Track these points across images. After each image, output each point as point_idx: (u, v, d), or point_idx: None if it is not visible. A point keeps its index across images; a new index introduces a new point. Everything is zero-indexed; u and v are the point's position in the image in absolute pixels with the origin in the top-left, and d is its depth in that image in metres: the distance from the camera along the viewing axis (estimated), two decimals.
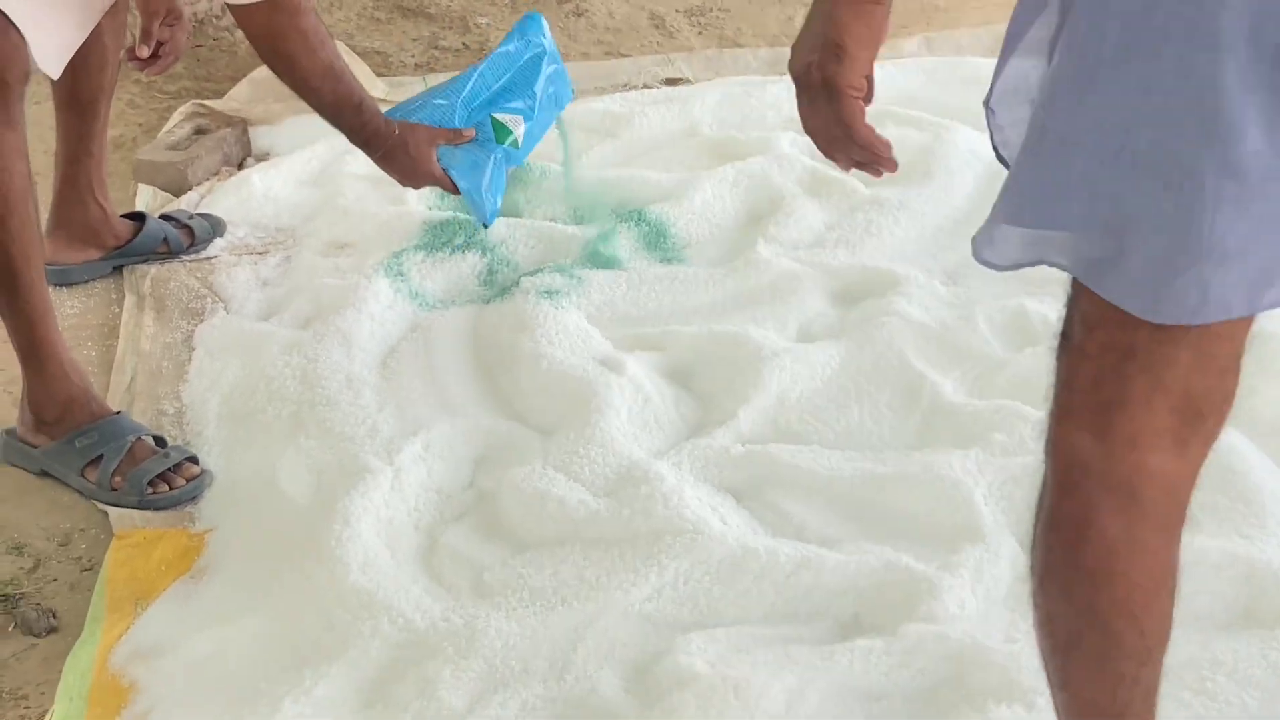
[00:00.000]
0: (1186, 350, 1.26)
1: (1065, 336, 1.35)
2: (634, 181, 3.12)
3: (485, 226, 2.83)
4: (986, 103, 1.36)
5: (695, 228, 2.97)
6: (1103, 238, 1.23)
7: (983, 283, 2.71)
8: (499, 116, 2.74)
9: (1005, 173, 3.18)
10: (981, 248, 1.32)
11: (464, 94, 2.70)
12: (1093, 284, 1.25)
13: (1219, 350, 1.30)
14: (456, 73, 2.92)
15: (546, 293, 2.66)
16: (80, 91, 2.57)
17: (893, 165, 1.52)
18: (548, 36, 2.87)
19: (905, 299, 2.63)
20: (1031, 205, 1.27)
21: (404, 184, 2.76)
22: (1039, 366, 2.41)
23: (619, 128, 3.40)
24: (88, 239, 2.87)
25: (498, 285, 2.78)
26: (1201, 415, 1.31)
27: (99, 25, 2.55)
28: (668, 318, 2.70)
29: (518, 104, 2.77)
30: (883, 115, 3.31)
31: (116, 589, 2.13)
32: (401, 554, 2.13)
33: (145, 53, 2.67)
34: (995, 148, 1.42)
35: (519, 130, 2.77)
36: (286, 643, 1.99)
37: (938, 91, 3.48)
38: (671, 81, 3.71)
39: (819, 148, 1.52)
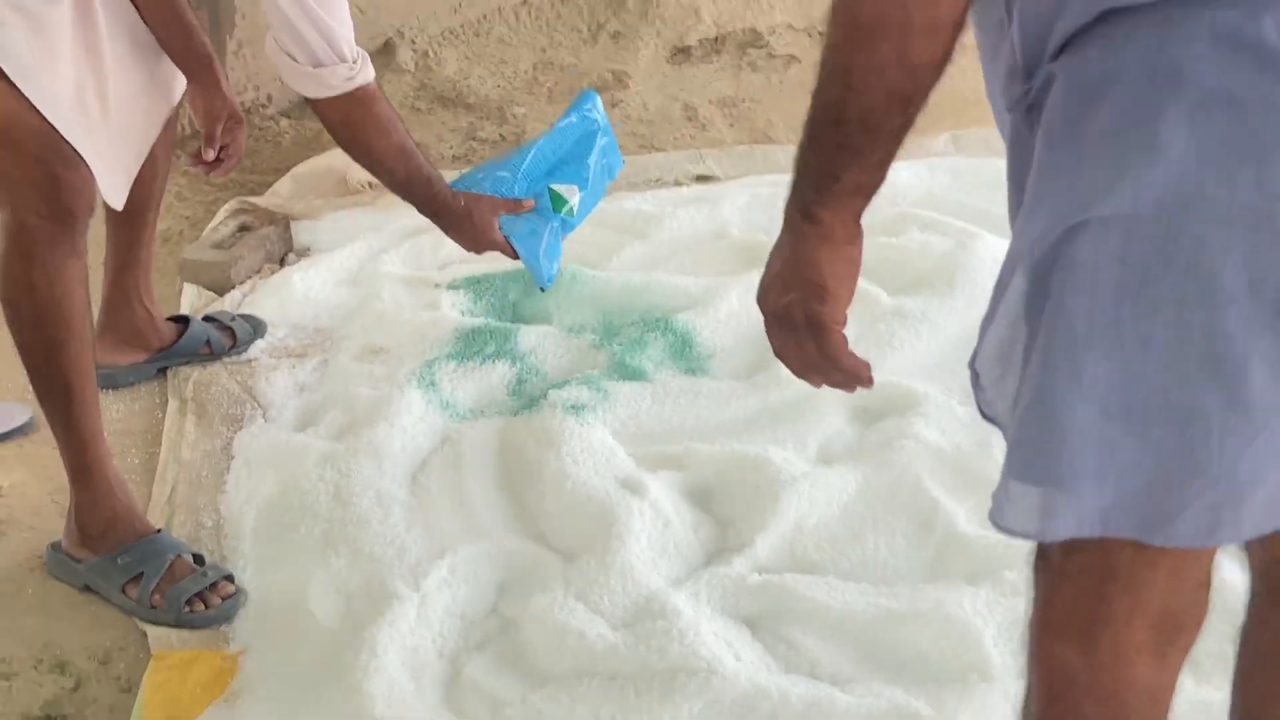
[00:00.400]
0: (1164, 570, 1.30)
1: (1043, 557, 1.37)
2: (662, 287, 3.13)
3: (543, 289, 2.95)
4: (971, 364, 1.37)
5: (720, 337, 2.97)
6: (1115, 485, 1.24)
7: None
8: (555, 187, 2.83)
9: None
10: (1000, 512, 1.32)
11: (524, 166, 2.79)
12: (1100, 526, 1.27)
13: (1194, 568, 1.34)
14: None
15: (573, 407, 2.67)
16: (131, 202, 2.59)
17: (870, 383, 1.53)
18: (600, 112, 2.96)
19: (923, 420, 2.63)
20: (1037, 461, 1.27)
21: (469, 250, 2.84)
22: None
23: (650, 228, 3.43)
24: (134, 342, 2.92)
25: (526, 396, 2.80)
26: (1179, 629, 1.36)
27: None
28: (691, 434, 2.69)
29: (573, 175, 2.87)
30: (907, 218, 3.34)
31: (153, 712, 2.11)
32: (425, 684, 2.13)
33: (211, 156, 2.72)
34: (979, 406, 1.43)
35: (574, 200, 2.85)
36: None
37: (964, 194, 3.45)
38: (702, 178, 3.73)
39: (794, 372, 1.54)
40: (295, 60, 2.40)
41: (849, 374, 1.49)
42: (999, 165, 3.61)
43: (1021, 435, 1.28)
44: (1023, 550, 2.29)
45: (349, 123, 2.53)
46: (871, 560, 2.39)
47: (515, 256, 2.80)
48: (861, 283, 3.04)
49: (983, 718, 2.04)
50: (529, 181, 2.79)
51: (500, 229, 2.75)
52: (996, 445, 2.53)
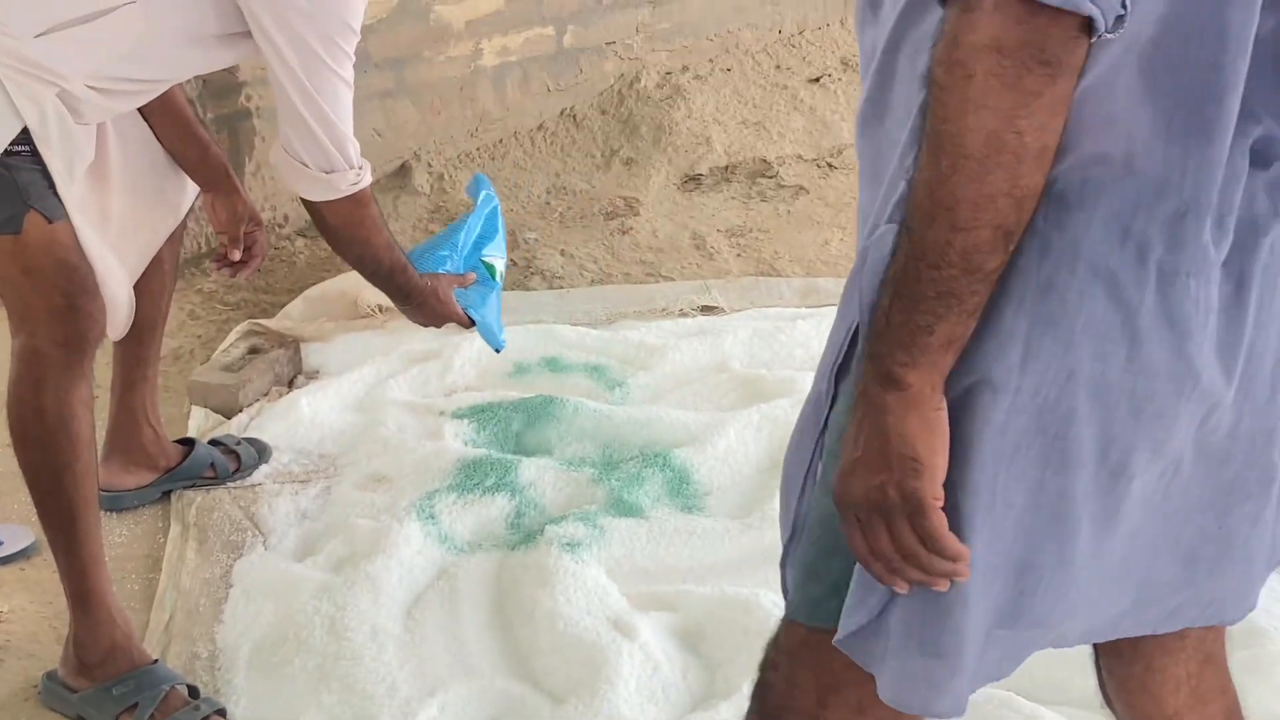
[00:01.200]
0: None
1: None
2: (661, 422, 3.13)
3: (498, 351, 3.12)
4: None
5: (717, 475, 2.97)
6: None
7: None
8: (486, 259, 3.04)
9: None
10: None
11: (459, 245, 2.99)
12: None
13: None
14: None
15: (568, 544, 2.67)
16: (139, 320, 2.63)
17: (968, 573, 1.28)
18: (491, 188, 3.22)
19: None
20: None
21: (428, 325, 2.97)
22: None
23: (653, 360, 3.43)
24: (141, 462, 2.92)
25: (524, 530, 2.79)
26: None
27: (159, 254, 2.66)
28: (684, 573, 2.69)
29: (495, 247, 3.09)
30: None
31: None
32: None
33: (238, 255, 2.79)
34: None
35: (500, 266, 3.10)
36: None
37: None
38: (707, 309, 3.74)
39: (882, 573, 1.28)
40: (306, 165, 2.43)
41: (952, 560, 1.26)
42: None
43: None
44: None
45: (349, 223, 2.59)
46: None
47: (470, 325, 2.97)
48: None
49: None
50: (463, 257, 2.98)
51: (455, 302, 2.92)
52: None
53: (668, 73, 4.71)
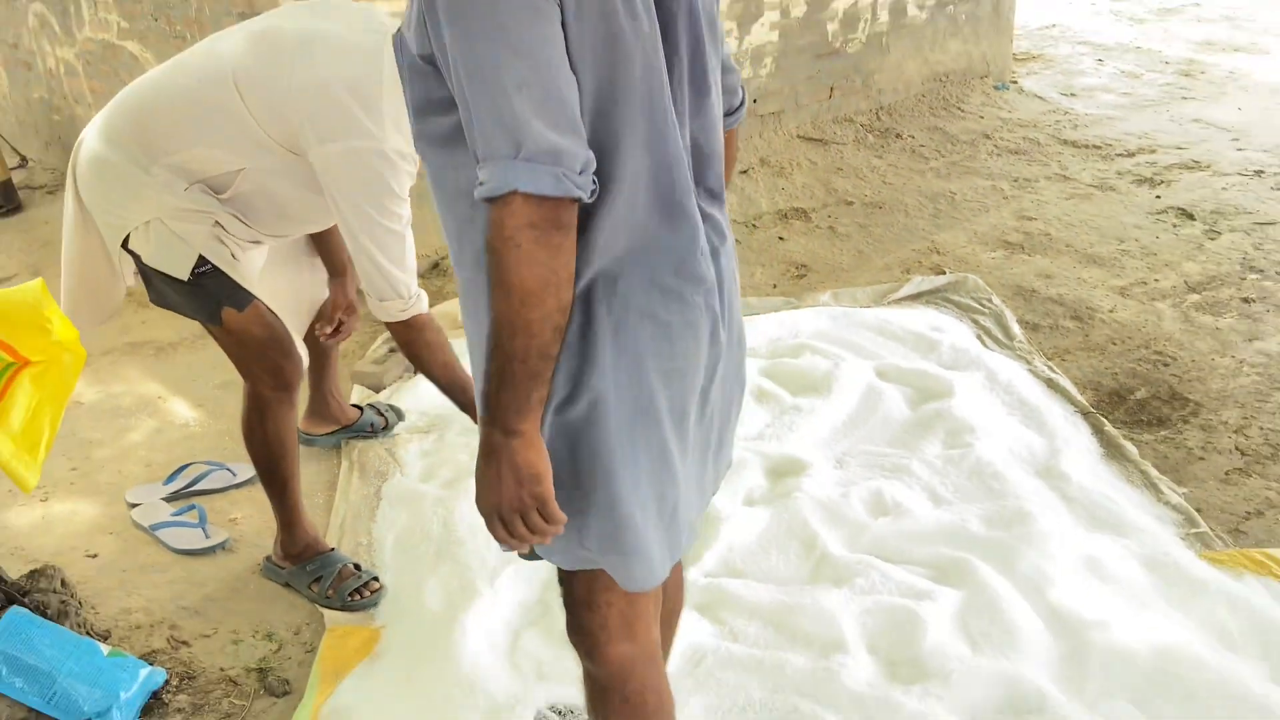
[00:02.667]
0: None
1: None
2: None
3: None
4: None
5: None
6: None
7: (856, 469, 2.70)
8: None
9: (882, 389, 3.29)
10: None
11: None
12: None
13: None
14: None
15: None
16: (325, 350, 2.77)
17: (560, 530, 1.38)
18: None
19: (809, 479, 2.61)
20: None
21: None
22: (888, 531, 2.48)
23: None
24: (328, 420, 2.93)
25: None
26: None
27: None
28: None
29: None
30: (803, 346, 3.34)
31: (326, 666, 2.13)
32: (495, 651, 2.13)
33: (327, 332, 2.64)
34: None
35: None
36: (423, 709, 1.99)
37: (839, 331, 3.42)
38: None
39: (518, 542, 1.32)
40: (369, 293, 2.20)
41: (559, 524, 1.30)
42: (862, 312, 3.66)
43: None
44: (869, 565, 2.34)
45: (405, 340, 2.31)
46: (775, 570, 2.38)
47: None
48: (771, 386, 3.09)
49: (841, 672, 2.03)
50: None
51: None
52: (854, 496, 2.59)
53: None
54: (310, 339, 2.67)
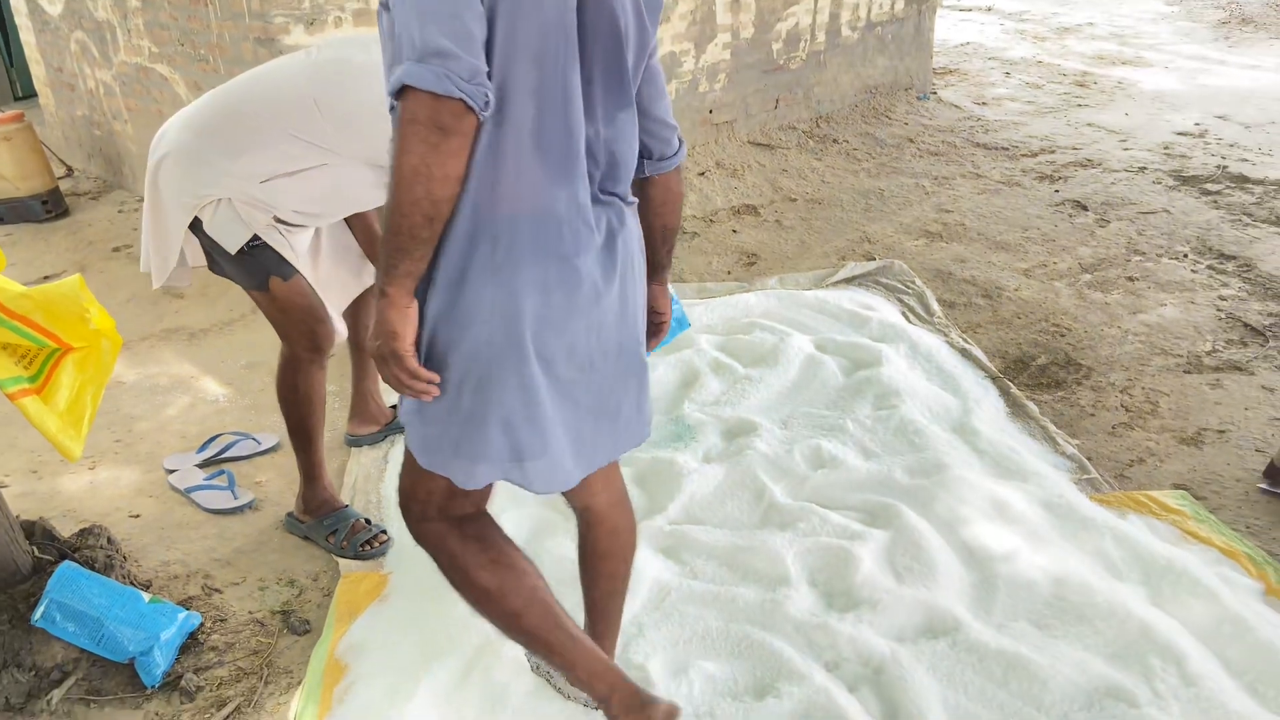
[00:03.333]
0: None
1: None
2: None
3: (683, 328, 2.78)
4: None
5: (653, 392, 2.87)
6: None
7: (799, 429, 2.70)
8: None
9: (821, 360, 3.24)
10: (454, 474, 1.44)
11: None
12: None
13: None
14: None
15: None
16: (363, 338, 2.64)
17: (436, 392, 1.40)
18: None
19: (759, 439, 2.62)
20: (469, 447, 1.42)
21: None
22: (825, 482, 2.48)
23: None
24: (370, 420, 2.80)
25: None
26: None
27: (366, 299, 2.54)
28: (640, 448, 2.62)
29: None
30: (752, 324, 3.34)
31: (341, 608, 2.12)
32: None
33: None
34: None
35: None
36: (427, 643, 1.98)
37: (784, 310, 3.42)
38: None
39: (393, 388, 1.39)
40: None
41: (425, 381, 1.37)
42: (805, 294, 3.65)
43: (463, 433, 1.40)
44: (810, 512, 2.34)
45: None
46: (730, 517, 2.39)
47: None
48: (726, 359, 3.08)
49: (786, 603, 2.04)
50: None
51: None
52: (797, 452, 2.59)
53: None
54: (353, 340, 2.62)
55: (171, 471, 2.68)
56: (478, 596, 1.57)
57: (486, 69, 1.25)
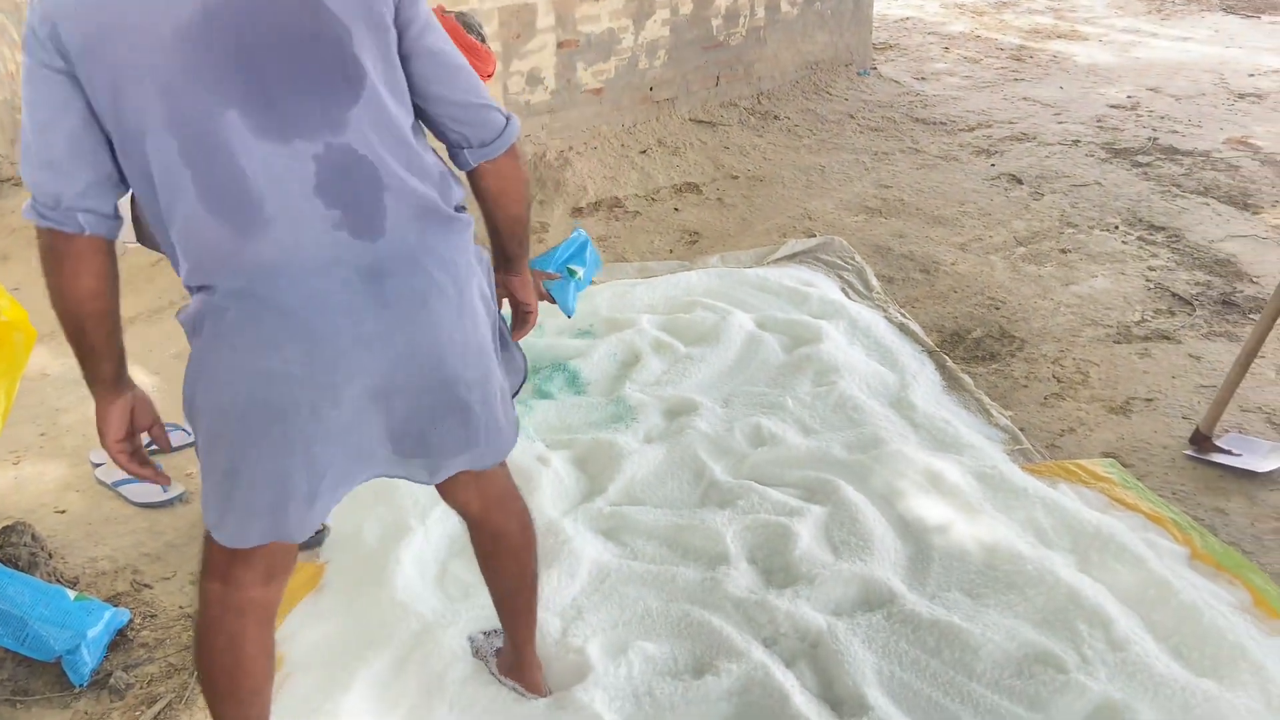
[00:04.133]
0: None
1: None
2: (562, 347, 3.07)
3: (569, 315, 2.60)
4: None
5: (594, 373, 2.92)
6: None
7: (739, 408, 2.71)
8: (571, 266, 2.53)
9: (762, 337, 3.22)
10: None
11: (553, 258, 2.45)
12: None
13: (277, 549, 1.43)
14: None
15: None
16: None
17: (168, 481, 1.48)
18: (586, 236, 2.62)
19: (699, 418, 2.62)
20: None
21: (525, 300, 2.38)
22: (765, 460, 2.50)
23: (556, 313, 3.34)
24: None
25: None
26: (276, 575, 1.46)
27: None
28: (576, 428, 2.67)
29: (579, 261, 2.54)
30: (694, 303, 3.35)
31: None
32: (426, 578, 2.11)
33: None
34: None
35: (580, 271, 2.53)
36: (363, 632, 1.96)
37: (725, 288, 3.42)
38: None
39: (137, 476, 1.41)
40: None
41: (147, 469, 1.40)
42: (745, 272, 3.66)
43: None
44: (749, 490, 2.35)
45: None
46: (670, 497, 2.39)
47: (552, 301, 2.45)
48: (667, 338, 3.08)
49: (725, 581, 2.05)
50: (556, 265, 2.48)
51: (542, 287, 2.40)
52: (737, 430, 2.60)
53: (561, 151, 4.66)
54: None
55: (98, 465, 2.61)
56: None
57: (86, 181, 1.21)
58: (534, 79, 4.54)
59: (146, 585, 2.18)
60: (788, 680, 1.80)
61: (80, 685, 1.91)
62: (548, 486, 2.39)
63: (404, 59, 1.31)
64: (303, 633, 2.00)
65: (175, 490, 2.49)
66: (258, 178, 1.20)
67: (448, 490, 1.59)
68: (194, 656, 1.47)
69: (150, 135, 1.19)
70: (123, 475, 2.55)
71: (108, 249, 1.28)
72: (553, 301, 2.51)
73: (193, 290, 1.27)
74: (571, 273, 2.62)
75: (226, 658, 1.43)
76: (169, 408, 2.85)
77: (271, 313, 1.23)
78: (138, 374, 3.10)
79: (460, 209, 1.39)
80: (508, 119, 1.40)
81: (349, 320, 1.25)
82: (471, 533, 1.68)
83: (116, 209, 1.29)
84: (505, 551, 1.68)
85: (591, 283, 2.92)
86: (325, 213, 1.23)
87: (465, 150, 1.39)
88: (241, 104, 1.19)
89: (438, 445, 1.41)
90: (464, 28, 2.33)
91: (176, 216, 1.22)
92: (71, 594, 2.00)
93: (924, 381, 2.84)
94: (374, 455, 1.38)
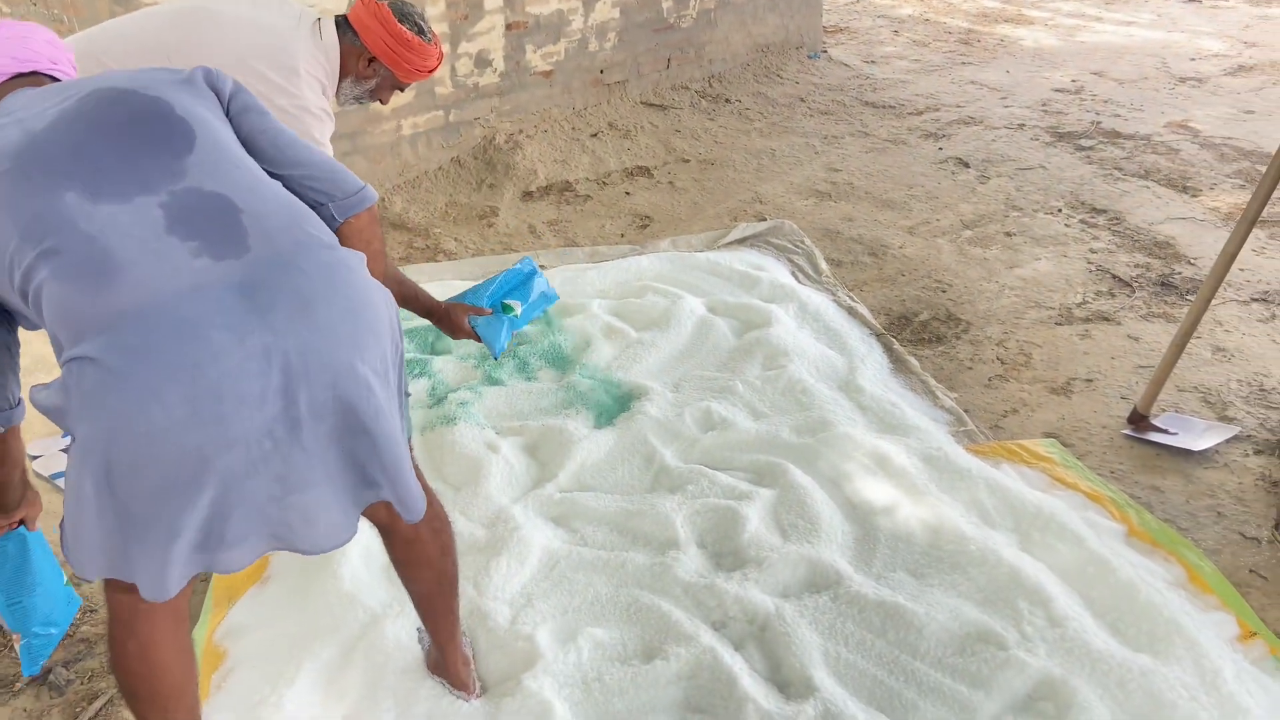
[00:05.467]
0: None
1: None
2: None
3: (495, 359, 2.63)
4: None
5: (544, 359, 2.90)
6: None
7: (690, 392, 2.72)
8: (507, 301, 2.51)
9: (713, 322, 3.17)
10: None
11: (489, 291, 2.48)
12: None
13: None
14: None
15: (462, 403, 2.62)
16: None
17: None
18: (535, 267, 2.63)
19: (650, 403, 2.61)
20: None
21: (449, 335, 2.40)
22: (715, 444, 2.51)
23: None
24: None
25: (437, 396, 2.71)
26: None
27: None
28: (527, 415, 2.66)
29: (520, 296, 2.55)
30: (645, 287, 3.33)
31: (219, 592, 2.06)
32: (372, 568, 2.08)
33: None
34: None
35: (518, 309, 2.51)
36: (308, 624, 1.94)
37: (676, 273, 3.41)
38: (540, 267, 3.61)
39: None
40: None
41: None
42: (697, 255, 3.66)
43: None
44: (699, 474, 2.36)
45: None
46: (621, 482, 2.39)
47: (479, 340, 2.41)
48: (619, 323, 3.07)
49: (675, 566, 2.06)
50: (490, 300, 2.47)
51: (470, 323, 2.37)
52: (687, 415, 2.60)
53: (511, 134, 4.62)
54: None
55: (35, 458, 2.54)
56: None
57: None
58: (482, 61, 4.49)
59: (86, 579, 2.13)
60: (736, 663, 1.81)
61: (31, 675, 1.87)
62: (497, 473, 2.38)
63: (243, 143, 1.42)
64: (247, 626, 1.97)
65: None
66: (105, 236, 1.22)
67: None
68: (110, 665, 1.43)
69: (9, 247, 1.24)
70: (62, 467, 2.49)
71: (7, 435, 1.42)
72: (478, 340, 2.41)
73: (64, 365, 1.22)
74: (507, 308, 2.51)
75: (141, 664, 1.40)
76: None
77: (144, 361, 1.17)
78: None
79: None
80: (364, 185, 1.52)
81: (233, 336, 1.19)
82: (384, 539, 1.60)
83: (14, 398, 1.41)
84: (417, 559, 1.61)
85: (543, 313, 2.87)
86: (182, 245, 1.23)
87: (329, 205, 1.46)
88: (78, 185, 1.25)
89: (313, 506, 1.33)
90: (398, 17, 2.27)
91: (44, 306, 1.23)
92: (65, 576, 1.94)
93: (872, 364, 2.87)
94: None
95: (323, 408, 1.25)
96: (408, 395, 1.53)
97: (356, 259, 1.35)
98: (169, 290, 1.19)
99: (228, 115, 1.43)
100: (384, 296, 1.36)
